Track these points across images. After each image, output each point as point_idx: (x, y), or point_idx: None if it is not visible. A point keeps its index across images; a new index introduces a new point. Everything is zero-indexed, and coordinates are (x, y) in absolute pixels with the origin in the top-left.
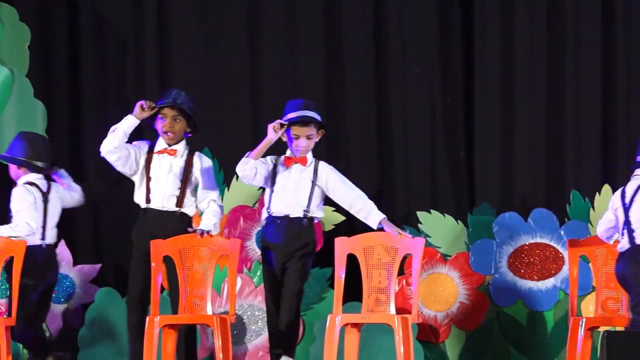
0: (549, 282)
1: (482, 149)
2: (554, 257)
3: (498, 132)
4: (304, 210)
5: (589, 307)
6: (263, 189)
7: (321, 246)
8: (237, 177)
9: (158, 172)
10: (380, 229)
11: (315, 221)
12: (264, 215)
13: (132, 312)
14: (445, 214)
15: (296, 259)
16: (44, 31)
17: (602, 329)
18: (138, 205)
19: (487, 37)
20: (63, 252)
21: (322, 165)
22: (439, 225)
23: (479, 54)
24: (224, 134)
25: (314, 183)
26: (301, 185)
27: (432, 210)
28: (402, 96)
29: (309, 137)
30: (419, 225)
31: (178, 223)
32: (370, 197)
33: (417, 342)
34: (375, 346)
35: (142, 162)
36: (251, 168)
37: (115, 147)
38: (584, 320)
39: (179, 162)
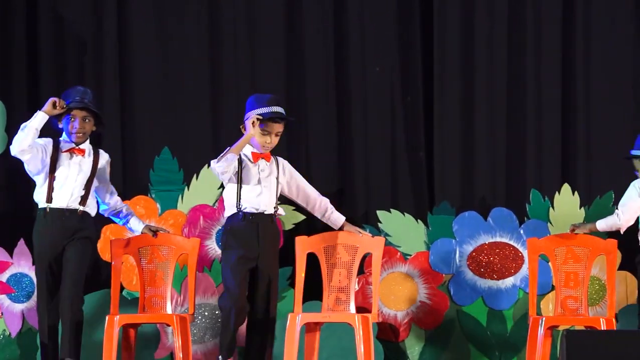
0: (508, 281)
1: (442, 148)
2: (513, 256)
3: (458, 132)
4: (274, 207)
5: (548, 306)
6: (222, 187)
7: (281, 245)
8: (197, 176)
9: (66, 171)
10: (341, 229)
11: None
12: (231, 211)
13: (44, 317)
14: (405, 213)
15: (271, 257)
16: (2, 29)
17: (561, 328)
18: (35, 205)
19: (447, 37)
20: (23, 250)
21: (283, 161)
22: (399, 225)
23: (439, 54)
24: (183, 134)
25: (277, 179)
26: (269, 181)
27: (392, 210)
28: (362, 96)
29: (277, 134)
30: (379, 224)
31: (80, 222)
32: (331, 197)
33: (377, 341)
34: (335, 345)
35: (47, 161)
36: (235, 164)
37: (29, 145)
38: (544, 319)
39: (88, 161)
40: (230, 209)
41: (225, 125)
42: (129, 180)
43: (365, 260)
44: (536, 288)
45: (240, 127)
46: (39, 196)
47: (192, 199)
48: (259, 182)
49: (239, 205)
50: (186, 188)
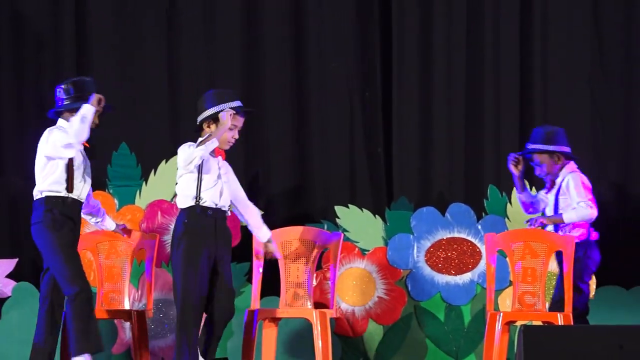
0: (466, 277)
1: (400, 143)
2: (471, 252)
3: (416, 127)
4: (229, 204)
5: (505, 301)
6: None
7: (239, 241)
8: (155, 171)
9: (78, 162)
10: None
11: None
12: (187, 203)
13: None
14: (363, 209)
15: (228, 253)
16: None
17: (519, 323)
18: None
19: (405, 31)
20: None
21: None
22: (357, 220)
23: (397, 49)
24: (141, 129)
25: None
26: (226, 177)
27: (350, 205)
28: (320, 91)
29: (239, 130)
30: (337, 219)
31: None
32: (289, 192)
33: (335, 336)
34: (293, 340)
35: None
36: None
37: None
38: (502, 314)
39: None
40: (186, 201)
41: (183, 122)
42: None
43: (323, 256)
44: (494, 283)
45: (205, 125)
46: (58, 186)
47: (150, 194)
48: (219, 177)
49: (199, 198)
50: (144, 183)
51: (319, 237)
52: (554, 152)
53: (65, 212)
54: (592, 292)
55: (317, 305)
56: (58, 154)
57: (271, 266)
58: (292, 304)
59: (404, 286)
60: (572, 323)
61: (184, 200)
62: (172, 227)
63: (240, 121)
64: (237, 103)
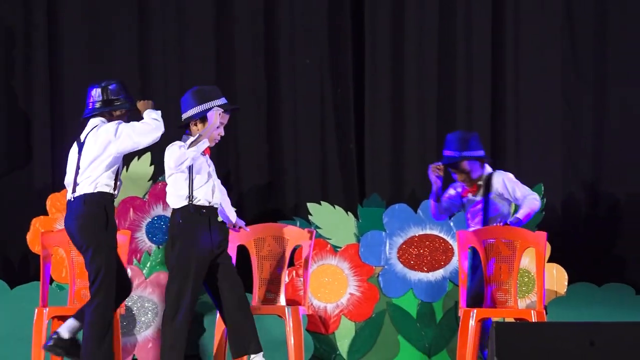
0: (438, 274)
1: (372, 140)
2: (443, 249)
3: (388, 124)
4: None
5: None
6: (152, 180)
7: None
8: (127, 168)
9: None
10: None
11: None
12: (180, 203)
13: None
14: (336, 206)
15: (225, 245)
16: None
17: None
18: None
19: (378, 30)
20: None
21: None
22: (329, 217)
23: (370, 46)
24: None
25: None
26: (214, 174)
27: (322, 202)
28: (292, 88)
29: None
30: (309, 216)
31: None
32: (261, 189)
33: (307, 333)
34: (265, 337)
35: None
36: None
37: None
38: (475, 311)
39: None
40: (179, 201)
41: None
42: (58, 172)
43: (296, 253)
44: (466, 280)
45: (192, 123)
46: (107, 180)
47: (122, 191)
48: (209, 175)
49: (192, 197)
50: None
51: (291, 234)
52: (483, 157)
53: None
54: (564, 289)
55: (290, 302)
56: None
57: (243, 263)
58: (265, 300)
59: (377, 283)
60: (545, 320)
61: (177, 200)
62: (144, 224)
63: (226, 118)
64: (223, 100)
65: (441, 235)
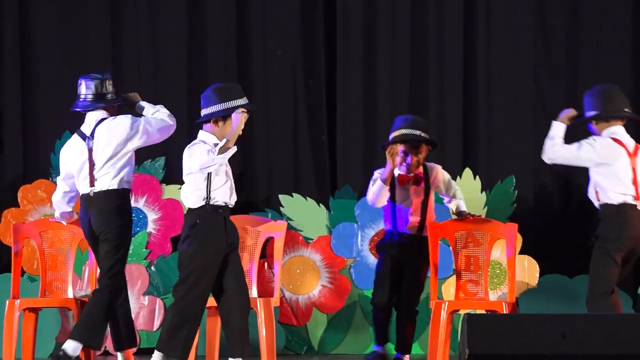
0: None
1: (344, 132)
2: None
3: (360, 115)
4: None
5: (449, 290)
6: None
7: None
8: None
9: None
10: None
11: None
12: (198, 203)
13: None
14: (308, 197)
15: (237, 246)
16: None
17: (462, 311)
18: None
19: (350, 21)
20: None
21: None
22: (301, 209)
23: (342, 38)
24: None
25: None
26: (230, 174)
27: (294, 194)
28: (265, 79)
29: None
30: (281, 208)
31: None
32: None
33: (279, 325)
34: None
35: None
36: None
37: None
38: (447, 303)
39: None
40: (197, 201)
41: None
42: (29, 163)
43: (267, 244)
44: (437, 272)
45: (212, 120)
46: (128, 177)
47: None
48: (227, 175)
49: (209, 197)
50: None
51: (263, 226)
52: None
53: None
54: (536, 281)
55: (261, 293)
56: None
57: None
58: None
59: (348, 275)
60: (516, 311)
61: (195, 200)
62: None
63: (245, 117)
64: (245, 100)
65: None
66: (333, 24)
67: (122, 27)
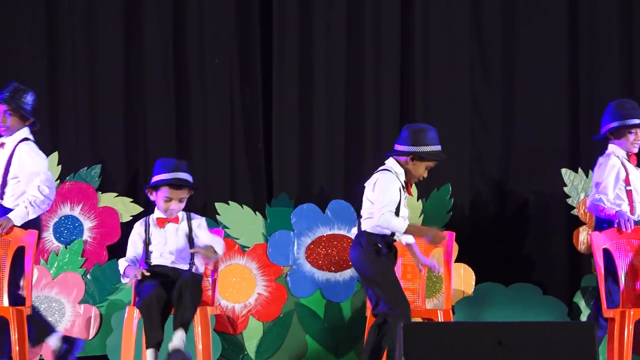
0: (346, 274)
1: (281, 140)
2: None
3: (296, 124)
4: None
5: None
6: (60, 179)
7: (119, 237)
8: None
9: None
10: None
11: None
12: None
13: None
14: (244, 205)
15: None
16: None
17: None
18: None
19: (286, 30)
20: None
21: None
22: (237, 217)
23: (277, 45)
24: None
25: None
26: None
27: (230, 202)
28: (201, 87)
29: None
30: (217, 216)
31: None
32: None
33: (215, 334)
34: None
35: None
36: None
37: None
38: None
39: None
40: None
41: (63, 122)
42: None
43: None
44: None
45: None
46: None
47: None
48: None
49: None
50: None
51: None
52: None
53: None
54: (472, 289)
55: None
56: None
57: None
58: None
59: (285, 283)
60: (452, 319)
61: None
62: (51, 224)
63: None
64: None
65: (349, 235)
66: (269, 32)
67: (57, 44)
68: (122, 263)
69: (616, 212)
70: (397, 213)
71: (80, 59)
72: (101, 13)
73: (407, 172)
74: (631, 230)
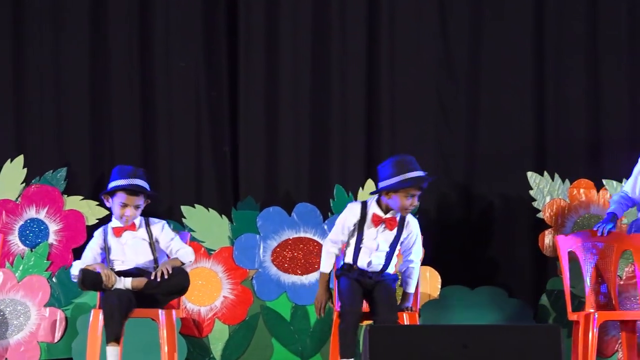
0: (312, 277)
1: (247, 143)
2: (317, 252)
3: (262, 127)
4: None
5: None
6: (25, 182)
7: (84, 240)
8: None
9: None
10: None
11: None
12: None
13: None
14: (210, 208)
15: None
16: None
17: (365, 323)
18: None
19: (252, 33)
20: None
21: None
22: (203, 220)
23: (244, 48)
24: None
25: None
26: None
27: (196, 205)
28: (167, 90)
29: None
30: (183, 219)
31: None
32: None
33: (181, 337)
34: (139, 341)
35: None
36: None
37: None
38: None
39: None
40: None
41: (28, 125)
42: None
43: None
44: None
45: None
46: None
47: None
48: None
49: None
50: None
51: None
52: None
53: None
54: (437, 292)
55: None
56: None
57: None
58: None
59: (250, 286)
60: (417, 322)
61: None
62: (16, 227)
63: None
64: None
65: (315, 238)
66: (235, 36)
67: (24, 47)
68: (78, 266)
69: (608, 212)
70: (358, 243)
71: (45, 62)
72: (67, 15)
73: (391, 207)
74: (606, 235)
